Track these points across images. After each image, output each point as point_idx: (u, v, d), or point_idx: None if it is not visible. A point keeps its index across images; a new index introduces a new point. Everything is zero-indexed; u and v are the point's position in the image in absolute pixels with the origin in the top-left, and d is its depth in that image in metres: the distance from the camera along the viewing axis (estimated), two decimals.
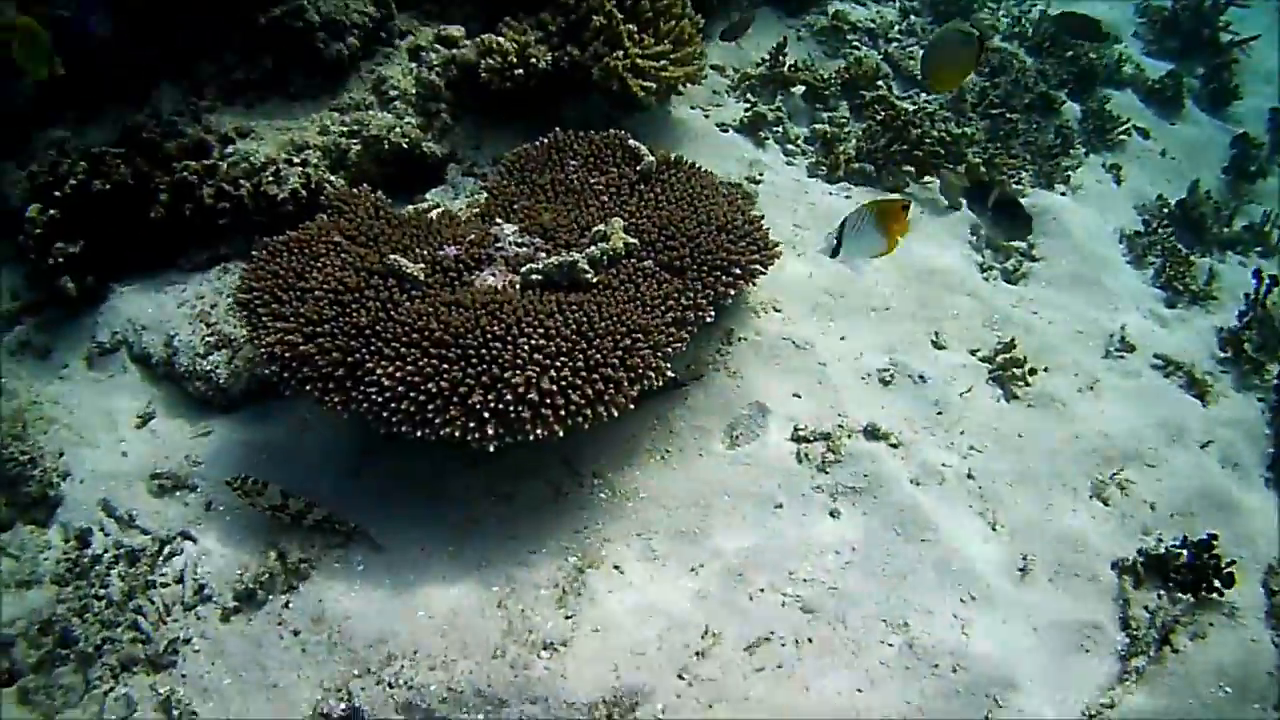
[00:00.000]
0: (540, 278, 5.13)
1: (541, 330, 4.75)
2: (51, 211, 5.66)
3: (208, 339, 5.57)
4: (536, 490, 5.09)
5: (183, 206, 5.80)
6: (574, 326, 4.79)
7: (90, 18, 6.06)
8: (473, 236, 5.28)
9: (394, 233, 5.31)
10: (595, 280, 5.15)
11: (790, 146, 7.26)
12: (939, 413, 5.80)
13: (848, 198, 6.97)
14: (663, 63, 6.64)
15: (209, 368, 5.52)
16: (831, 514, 5.20)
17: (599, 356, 4.73)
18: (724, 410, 5.55)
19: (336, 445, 5.23)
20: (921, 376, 5.95)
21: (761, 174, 6.90)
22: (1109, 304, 6.90)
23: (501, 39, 6.42)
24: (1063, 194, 7.78)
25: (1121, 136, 8.54)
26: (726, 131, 7.20)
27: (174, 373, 5.59)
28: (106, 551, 4.87)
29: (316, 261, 5.10)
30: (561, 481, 5.14)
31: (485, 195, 5.77)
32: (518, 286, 5.15)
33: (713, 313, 5.25)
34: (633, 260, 5.33)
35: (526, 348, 4.68)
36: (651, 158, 5.78)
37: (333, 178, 5.94)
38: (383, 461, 5.11)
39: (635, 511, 5.08)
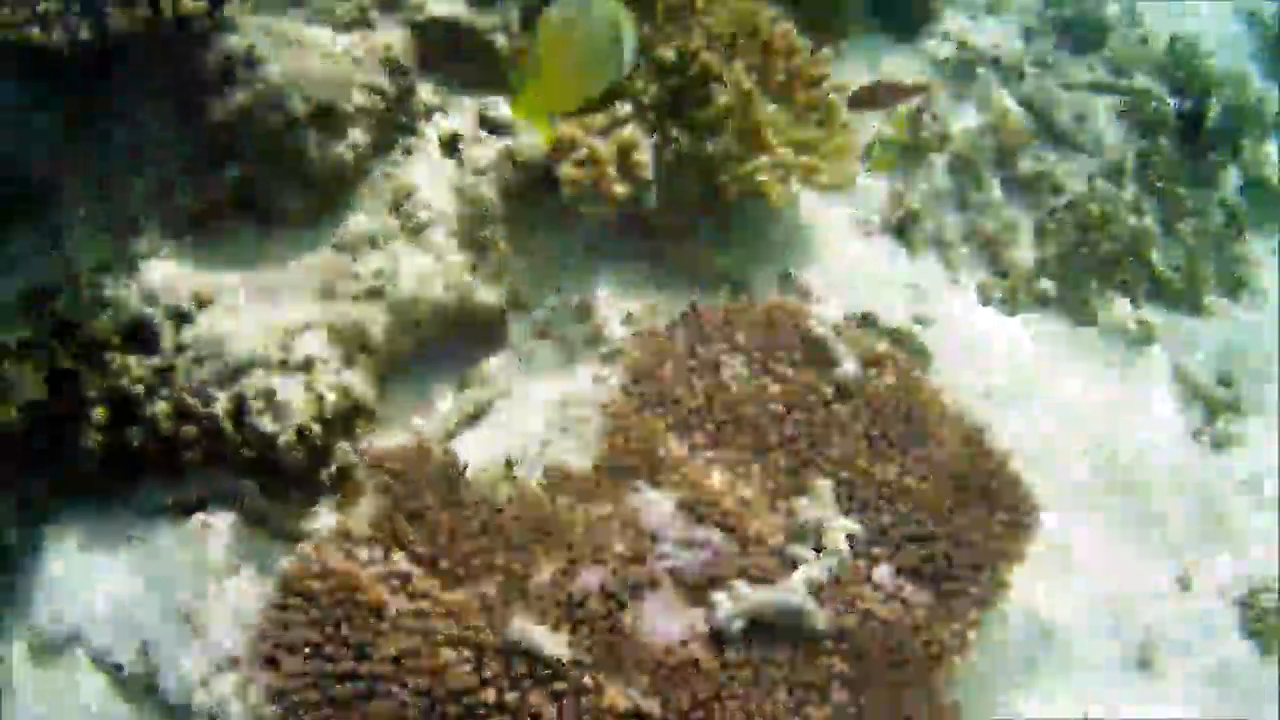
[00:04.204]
0: (743, 623, 3.10)
1: None
2: None
3: (202, 657, 3.48)
4: None
5: (128, 432, 3.64)
6: None
7: None
8: (621, 547, 3.18)
9: (493, 541, 3.18)
10: (825, 626, 3.16)
11: (949, 253, 5.28)
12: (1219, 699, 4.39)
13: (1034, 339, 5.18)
14: (808, 158, 4.54)
15: (213, 703, 3.41)
16: None
17: None
18: None
19: None
20: (1186, 646, 4.53)
21: (926, 310, 4.91)
22: None
23: (585, 135, 4.19)
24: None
25: None
26: (869, 234, 5.18)
27: (160, 701, 3.51)
28: None
29: (382, 621, 2.97)
30: None
31: (608, 426, 3.61)
32: (706, 634, 3.12)
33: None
34: (859, 561, 3.36)
35: None
36: (852, 364, 3.75)
37: (355, 380, 3.70)
38: None
39: None
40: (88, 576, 3.80)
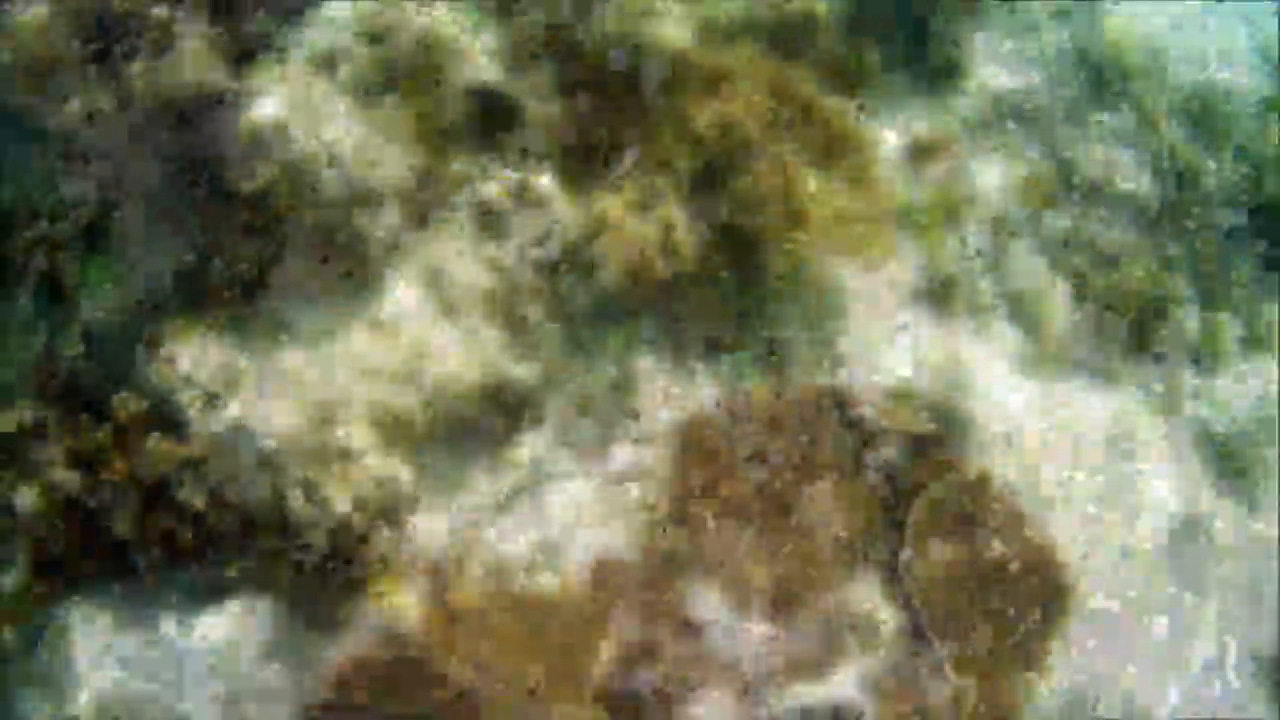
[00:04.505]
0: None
1: None
2: None
3: None
4: None
5: (161, 517, 3.65)
6: None
7: None
8: (670, 641, 3.12)
9: (543, 638, 3.11)
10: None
11: (984, 316, 5.28)
12: None
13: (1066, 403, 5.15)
14: (847, 228, 4.47)
15: None
16: None
17: None
18: None
19: None
20: None
21: (964, 377, 4.83)
22: None
23: (624, 211, 4.12)
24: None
25: None
26: (906, 300, 5.19)
27: None
28: None
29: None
30: None
31: (652, 514, 3.55)
32: None
33: None
34: (907, 649, 3.31)
35: None
36: (894, 447, 3.87)
37: (394, 465, 3.66)
38: None
39: None
40: (117, 657, 3.79)
